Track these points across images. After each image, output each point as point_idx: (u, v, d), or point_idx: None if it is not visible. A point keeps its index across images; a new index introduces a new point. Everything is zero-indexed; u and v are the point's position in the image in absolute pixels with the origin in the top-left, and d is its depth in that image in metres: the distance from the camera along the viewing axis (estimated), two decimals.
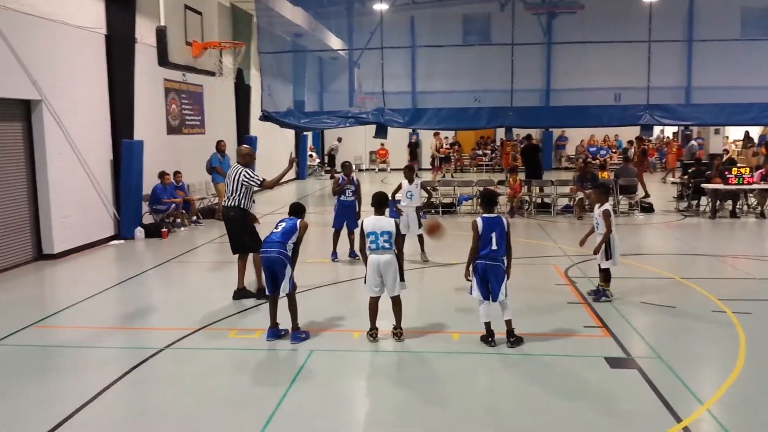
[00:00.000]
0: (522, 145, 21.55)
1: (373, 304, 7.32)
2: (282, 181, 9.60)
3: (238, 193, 8.94)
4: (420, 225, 11.50)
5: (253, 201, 9.65)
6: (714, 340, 7.37)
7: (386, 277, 7.16)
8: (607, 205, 8.74)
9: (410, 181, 11.63)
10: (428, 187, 12.76)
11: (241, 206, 9.00)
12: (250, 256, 9.14)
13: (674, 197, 19.21)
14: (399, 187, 11.67)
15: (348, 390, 6.25)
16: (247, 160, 9.19)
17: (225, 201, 9.18)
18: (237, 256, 9.26)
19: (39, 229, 11.95)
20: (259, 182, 8.96)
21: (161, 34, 10.80)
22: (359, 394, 6.23)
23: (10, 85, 10.98)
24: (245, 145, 9.84)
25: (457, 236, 13.79)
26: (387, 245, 7.12)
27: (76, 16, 12.55)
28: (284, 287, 7.27)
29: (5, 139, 11.24)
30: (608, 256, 8.65)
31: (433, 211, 17.46)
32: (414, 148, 28.83)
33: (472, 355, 6.86)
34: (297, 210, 7.79)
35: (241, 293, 9.19)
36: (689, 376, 6.24)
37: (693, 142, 20.57)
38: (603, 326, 7.72)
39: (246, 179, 8.92)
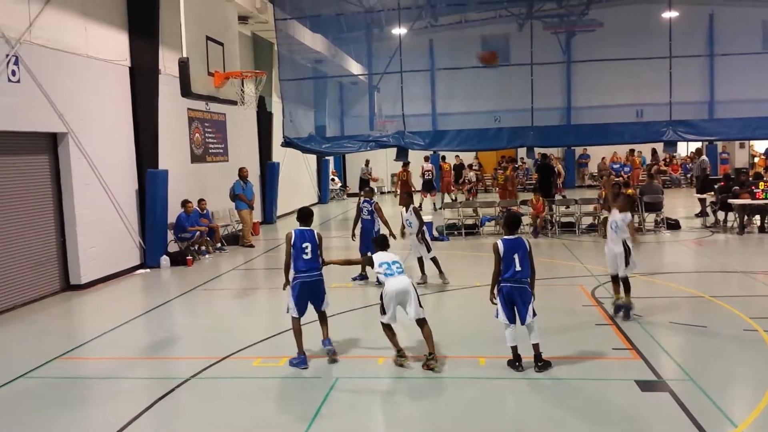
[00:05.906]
0: (539, 163, 21.39)
1: (388, 328, 7.23)
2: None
3: None
4: (429, 249, 11.24)
5: None
6: (746, 361, 7.20)
7: (406, 304, 7.09)
8: (629, 215, 8.77)
9: (406, 209, 11.36)
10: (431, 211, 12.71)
11: None
12: None
13: (696, 214, 18.93)
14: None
15: (374, 417, 6.20)
16: None
17: None
18: None
19: (66, 260, 12.09)
20: None
21: (183, 66, 10.90)
22: (386, 422, 6.17)
23: (37, 119, 11.18)
24: None
25: (480, 258, 13.75)
26: (400, 270, 7.22)
27: (101, 50, 12.80)
28: (327, 302, 7.62)
29: (33, 172, 11.44)
30: (627, 262, 8.60)
31: (456, 233, 17.39)
32: (459, 169, 28.83)
33: (499, 381, 6.78)
34: (308, 216, 7.71)
35: None
36: (722, 398, 6.11)
37: (704, 157, 20.25)
38: (632, 348, 7.59)
39: None
